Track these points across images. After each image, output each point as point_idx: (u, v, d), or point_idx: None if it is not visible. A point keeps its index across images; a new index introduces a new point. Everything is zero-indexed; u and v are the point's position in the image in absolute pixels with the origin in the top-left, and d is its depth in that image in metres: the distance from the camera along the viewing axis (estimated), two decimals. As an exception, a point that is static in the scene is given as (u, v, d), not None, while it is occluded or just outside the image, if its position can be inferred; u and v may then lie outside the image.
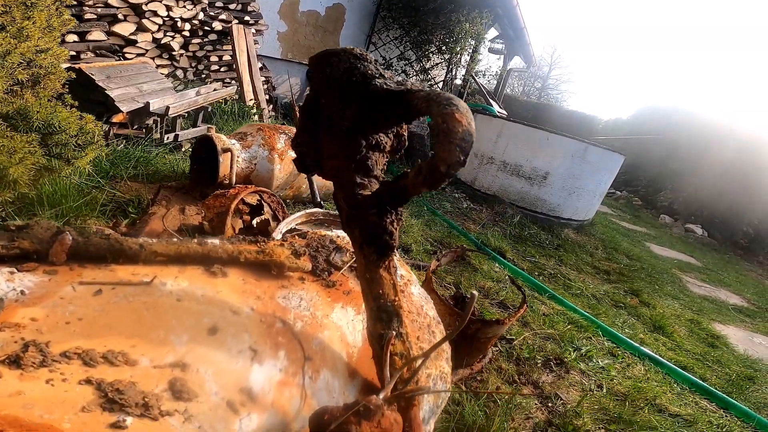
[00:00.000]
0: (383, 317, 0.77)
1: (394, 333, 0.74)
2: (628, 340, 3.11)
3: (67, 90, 2.65)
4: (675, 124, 13.69)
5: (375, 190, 0.79)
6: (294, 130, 3.40)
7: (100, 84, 3.53)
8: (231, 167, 2.91)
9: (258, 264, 0.98)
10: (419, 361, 0.70)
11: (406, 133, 0.90)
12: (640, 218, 10.09)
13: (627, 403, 2.45)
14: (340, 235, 1.17)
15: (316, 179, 3.39)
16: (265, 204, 2.49)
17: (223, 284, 0.89)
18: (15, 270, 0.80)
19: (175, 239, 0.96)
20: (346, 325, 0.92)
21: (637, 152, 11.45)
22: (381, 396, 0.64)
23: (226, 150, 2.94)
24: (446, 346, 1.06)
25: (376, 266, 0.78)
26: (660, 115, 14.93)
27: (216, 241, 0.98)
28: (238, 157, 3.05)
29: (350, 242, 0.90)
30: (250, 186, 2.60)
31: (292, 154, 3.65)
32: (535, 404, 2.18)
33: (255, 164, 3.20)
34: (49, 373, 0.62)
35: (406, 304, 0.98)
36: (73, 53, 3.93)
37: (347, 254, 1.06)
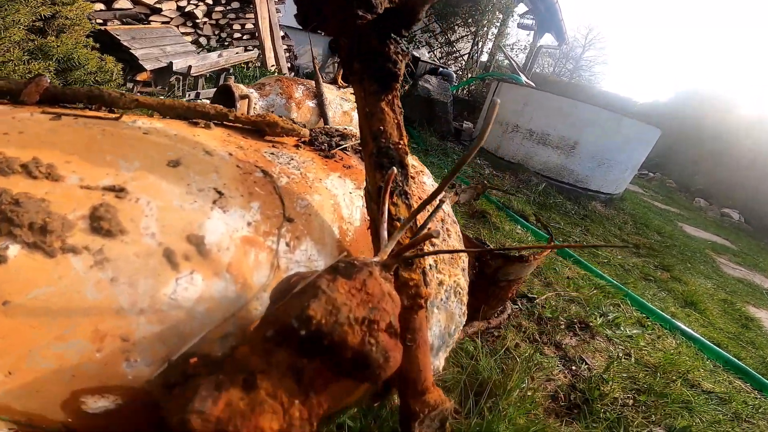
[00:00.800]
0: (384, 163, 0.59)
1: (395, 170, 0.56)
2: (659, 311, 2.87)
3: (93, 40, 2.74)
4: (715, 107, 12.90)
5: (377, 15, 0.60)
6: (312, 84, 3.27)
7: (125, 44, 3.68)
8: (248, 113, 2.85)
9: (249, 124, 0.85)
10: (426, 221, 0.51)
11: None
12: (674, 200, 9.60)
13: (658, 375, 2.23)
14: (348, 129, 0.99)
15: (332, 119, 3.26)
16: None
17: (204, 133, 0.73)
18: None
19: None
20: (342, 195, 0.74)
21: (674, 133, 10.87)
22: (375, 260, 0.46)
23: (243, 96, 2.87)
24: (464, 255, 0.87)
25: (377, 99, 0.59)
26: (700, 98, 14.08)
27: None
28: (255, 104, 2.98)
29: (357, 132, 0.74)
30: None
31: (310, 104, 3.47)
32: (558, 366, 2.00)
33: (272, 112, 3.10)
34: None
35: (417, 191, 0.79)
36: (101, 21, 3.98)
37: (353, 139, 0.88)
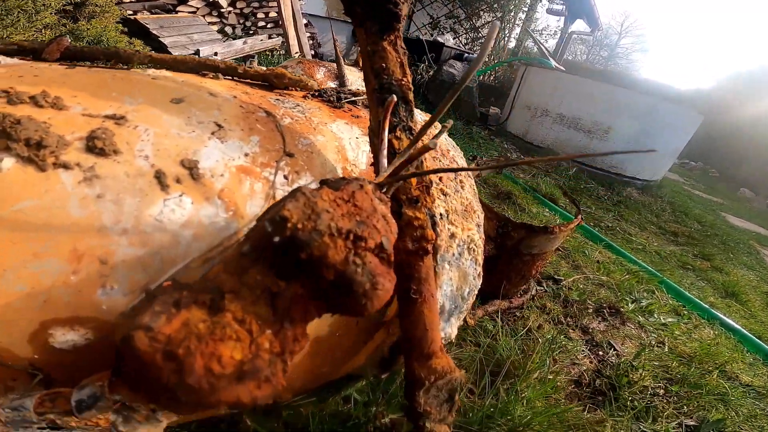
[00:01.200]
0: (386, 98, 0.55)
1: (394, 98, 0.51)
2: (697, 300, 2.71)
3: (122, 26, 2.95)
4: (761, 95, 12.04)
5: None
6: (333, 66, 3.27)
7: (154, 32, 3.82)
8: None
9: (258, 77, 0.86)
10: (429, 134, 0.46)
11: None
12: (716, 190, 9.07)
13: (693, 365, 2.10)
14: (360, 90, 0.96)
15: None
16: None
17: (211, 81, 0.75)
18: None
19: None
20: (348, 139, 0.71)
21: (718, 122, 10.23)
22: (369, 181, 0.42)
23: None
24: (479, 211, 0.82)
25: (379, 38, 0.55)
26: (745, 86, 13.18)
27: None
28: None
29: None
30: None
31: (331, 85, 3.50)
32: (583, 350, 1.90)
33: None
34: None
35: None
36: (130, 12, 4.16)
37: (364, 96, 0.85)
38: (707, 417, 1.75)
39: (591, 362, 1.87)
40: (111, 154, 0.48)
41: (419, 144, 0.51)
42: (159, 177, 0.48)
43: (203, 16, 4.98)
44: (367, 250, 0.36)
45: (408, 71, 0.66)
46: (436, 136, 0.48)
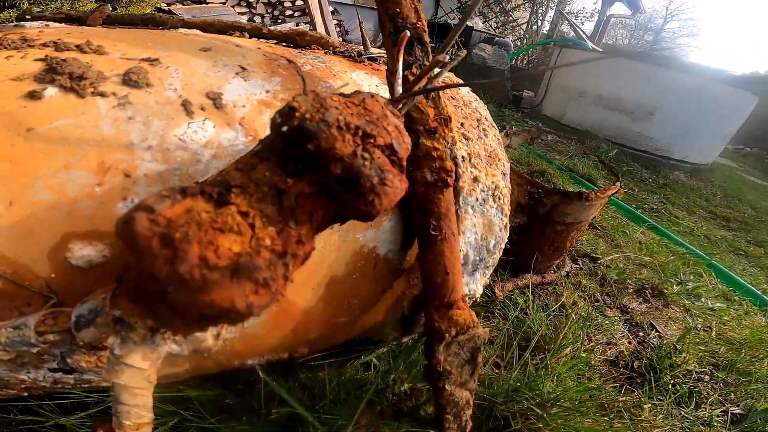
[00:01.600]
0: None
1: (408, 33, 0.51)
2: (750, 285, 2.53)
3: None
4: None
5: None
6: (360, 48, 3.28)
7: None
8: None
9: (281, 37, 0.91)
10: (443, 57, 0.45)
11: None
12: (773, 176, 8.39)
13: (742, 352, 1.96)
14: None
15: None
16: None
17: (237, 38, 0.80)
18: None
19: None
20: (367, 86, 0.72)
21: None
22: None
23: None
24: (505, 161, 0.80)
25: None
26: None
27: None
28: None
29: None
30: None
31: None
32: (621, 330, 1.82)
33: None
34: (14, 53, 0.52)
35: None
36: (164, 3, 4.39)
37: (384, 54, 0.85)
38: (755, 406, 1.63)
39: (630, 343, 1.78)
40: (144, 86, 0.52)
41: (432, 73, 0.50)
42: (185, 105, 0.51)
43: (232, 6, 5.16)
44: (377, 147, 0.36)
45: (422, 16, 0.66)
46: (447, 64, 0.47)
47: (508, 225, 0.80)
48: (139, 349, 0.37)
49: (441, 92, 0.66)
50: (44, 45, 0.56)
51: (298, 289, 0.57)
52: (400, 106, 0.48)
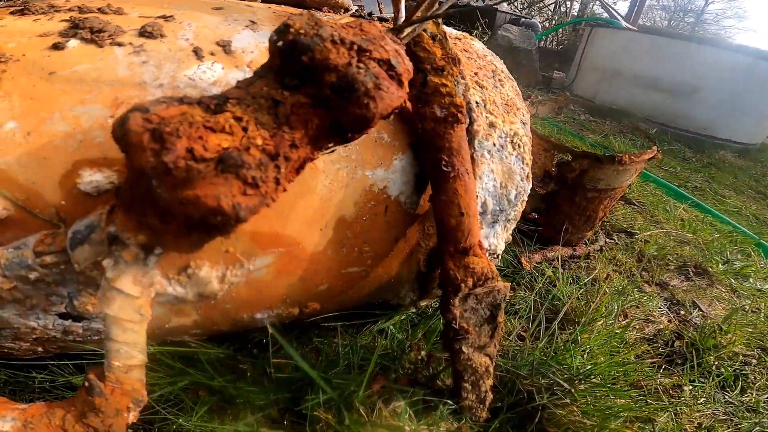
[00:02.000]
0: None
1: None
2: (805, 267, 2.34)
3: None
4: None
5: None
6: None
7: None
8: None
9: (291, 1, 0.87)
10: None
11: None
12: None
13: (795, 336, 1.82)
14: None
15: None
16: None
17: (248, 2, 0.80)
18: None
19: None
20: None
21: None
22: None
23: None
24: (524, 110, 0.77)
25: None
26: None
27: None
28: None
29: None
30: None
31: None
32: (660, 308, 1.73)
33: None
34: (42, 17, 0.57)
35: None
36: None
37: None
38: (806, 393, 1.51)
39: (670, 321, 1.69)
40: (158, 37, 0.55)
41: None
42: (196, 51, 0.53)
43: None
44: (372, 59, 0.35)
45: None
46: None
47: (530, 174, 0.77)
48: (130, 272, 0.37)
49: (451, 41, 0.64)
50: (69, 10, 0.59)
51: (304, 230, 0.56)
52: (403, 35, 0.47)
